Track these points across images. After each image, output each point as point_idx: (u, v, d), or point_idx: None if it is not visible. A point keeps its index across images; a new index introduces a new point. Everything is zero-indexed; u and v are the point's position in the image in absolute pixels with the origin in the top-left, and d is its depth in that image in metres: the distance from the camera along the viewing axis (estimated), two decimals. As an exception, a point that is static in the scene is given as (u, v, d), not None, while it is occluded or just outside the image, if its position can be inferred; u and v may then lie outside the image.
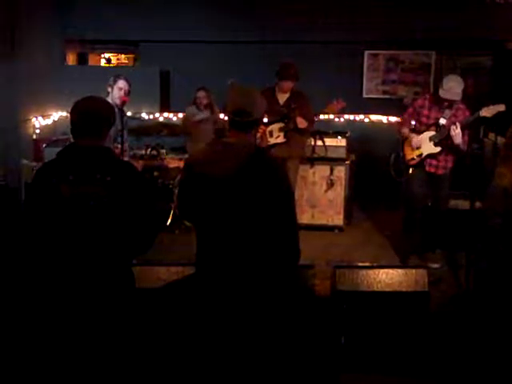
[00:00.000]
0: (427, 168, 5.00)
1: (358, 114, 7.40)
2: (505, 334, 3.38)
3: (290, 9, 7.38)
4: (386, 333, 3.43)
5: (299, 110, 5.36)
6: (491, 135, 6.11)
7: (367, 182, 7.04)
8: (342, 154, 6.16)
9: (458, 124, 4.71)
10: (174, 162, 5.64)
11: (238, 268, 2.66)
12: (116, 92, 4.81)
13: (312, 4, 7.33)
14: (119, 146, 4.71)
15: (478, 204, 4.76)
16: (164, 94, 7.83)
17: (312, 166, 6.11)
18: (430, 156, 4.96)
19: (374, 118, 7.49)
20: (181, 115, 7.22)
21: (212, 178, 2.63)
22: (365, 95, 7.73)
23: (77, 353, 2.64)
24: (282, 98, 5.49)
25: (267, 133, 5.46)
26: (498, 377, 3.21)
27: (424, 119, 4.98)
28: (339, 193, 6.11)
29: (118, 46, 8.78)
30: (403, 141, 5.11)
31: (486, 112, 4.64)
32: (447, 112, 4.86)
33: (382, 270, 3.55)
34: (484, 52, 7.56)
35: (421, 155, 4.98)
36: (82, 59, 8.79)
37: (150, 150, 5.67)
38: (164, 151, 6.01)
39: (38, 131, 6.88)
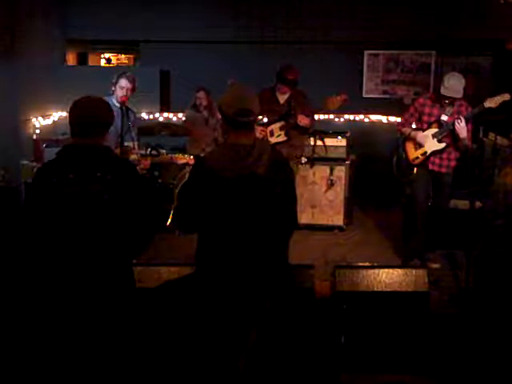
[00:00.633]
0: (430, 166, 4.95)
1: (358, 113, 7.40)
2: (505, 334, 3.38)
3: (290, 9, 7.38)
4: (386, 333, 3.43)
5: (299, 108, 5.37)
6: (491, 135, 6.11)
7: (367, 182, 7.04)
8: (342, 154, 6.16)
9: (462, 118, 4.70)
10: (182, 159, 5.62)
11: (239, 267, 2.66)
12: (118, 91, 4.77)
13: (312, 4, 7.33)
14: (126, 143, 4.67)
15: (478, 204, 4.77)
16: (164, 94, 7.83)
17: (312, 166, 6.11)
18: (435, 154, 4.92)
19: (374, 117, 7.48)
20: (181, 115, 7.23)
21: (230, 180, 2.64)
22: (365, 95, 7.72)
23: (77, 351, 2.64)
24: (282, 97, 5.49)
25: (268, 133, 5.47)
26: (498, 376, 3.21)
27: (425, 117, 4.95)
28: (339, 193, 6.11)
29: (118, 46, 8.79)
30: (404, 141, 5.09)
31: (491, 103, 4.60)
32: (449, 109, 4.84)
33: (381, 270, 3.55)
34: (484, 52, 7.56)
35: (425, 153, 4.92)
36: (82, 59, 8.79)
37: (150, 150, 5.65)
38: (164, 151, 6.01)
39: (37, 131, 6.87)
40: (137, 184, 2.71)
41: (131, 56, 9.27)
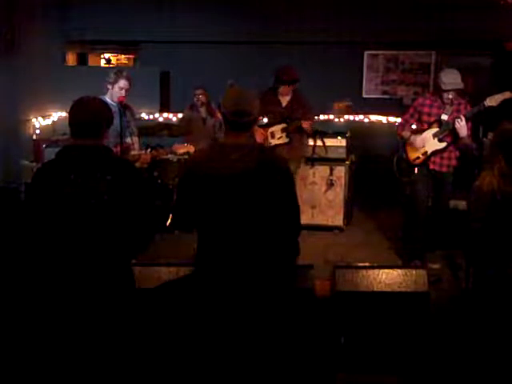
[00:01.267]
0: (431, 166, 4.93)
1: (358, 114, 7.40)
2: (505, 335, 3.38)
3: (290, 9, 7.38)
4: (386, 333, 3.42)
5: (301, 111, 5.38)
6: (491, 135, 6.10)
7: (367, 182, 7.04)
8: (342, 154, 6.16)
9: (462, 117, 4.68)
10: (182, 148, 5.61)
11: (238, 267, 2.66)
12: (117, 91, 4.76)
13: (312, 4, 7.33)
14: (126, 141, 4.68)
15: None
16: (164, 94, 7.83)
17: (312, 166, 6.11)
18: (435, 153, 4.91)
19: (374, 118, 7.48)
20: (180, 115, 7.23)
21: (218, 178, 2.64)
22: (365, 95, 7.73)
23: (76, 351, 2.64)
24: (284, 99, 5.51)
25: (268, 134, 5.47)
26: (498, 377, 3.21)
27: (425, 117, 4.94)
28: (339, 193, 6.11)
29: (118, 47, 8.79)
30: (404, 141, 5.08)
31: (491, 101, 4.57)
32: (448, 108, 4.83)
33: (381, 271, 3.54)
34: (484, 52, 7.56)
35: (426, 153, 4.91)
36: (82, 59, 8.79)
37: (149, 150, 5.66)
38: (170, 148, 6.01)
39: (38, 131, 6.88)
40: (137, 184, 2.71)
41: (131, 56, 9.27)
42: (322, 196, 6.13)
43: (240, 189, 2.65)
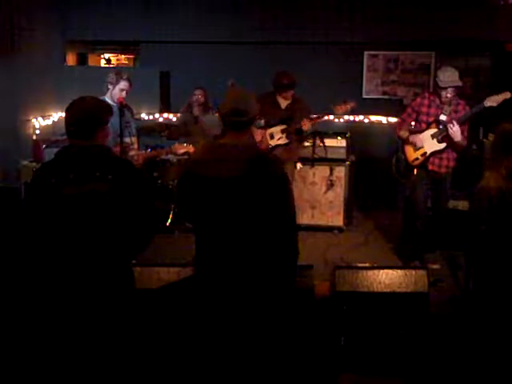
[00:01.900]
0: (430, 167, 4.92)
1: (358, 114, 7.40)
2: (505, 335, 3.38)
3: (290, 9, 7.38)
4: (386, 334, 3.43)
5: (301, 114, 5.39)
6: (491, 136, 6.11)
7: (367, 182, 7.05)
8: (342, 154, 6.16)
9: (454, 122, 4.64)
10: (182, 148, 5.62)
11: (237, 269, 2.66)
12: (117, 92, 4.76)
13: (312, 4, 7.33)
14: (125, 141, 4.68)
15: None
16: (164, 94, 7.83)
17: (312, 166, 6.11)
18: (434, 154, 4.89)
19: (374, 118, 7.49)
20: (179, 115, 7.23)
21: (214, 179, 2.63)
22: (364, 96, 7.72)
23: (76, 352, 2.64)
24: (284, 102, 5.53)
25: (267, 135, 5.47)
26: (498, 377, 3.21)
27: (424, 117, 4.93)
28: (339, 193, 6.11)
29: (118, 47, 8.79)
30: (403, 142, 5.08)
31: (491, 101, 4.54)
32: (447, 108, 4.82)
33: (381, 271, 3.55)
34: (483, 53, 7.56)
35: (425, 154, 4.89)
36: (82, 60, 8.79)
37: (149, 150, 5.65)
38: (170, 147, 6.01)
39: (37, 131, 6.87)
40: (138, 184, 2.71)
41: (131, 56, 9.27)
42: (322, 196, 6.13)
43: (239, 190, 2.64)
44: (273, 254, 2.72)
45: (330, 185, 6.10)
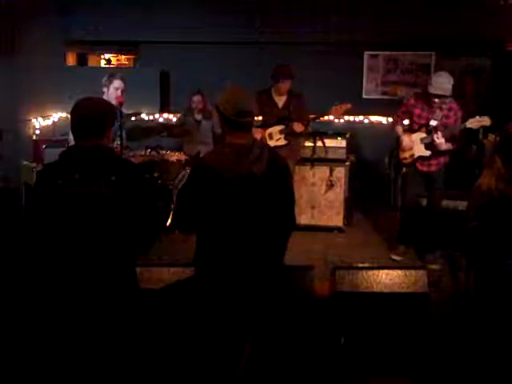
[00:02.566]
0: (420, 167, 5.02)
1: (358, 115, 7.41)
2: (505, 335, 3.38)
3: (290, 9, 7.39)
4: (386, 334, 3.42)
5: (297, 113, 5.37)
6: (491, 136, 6.12)
7: (367, 182, 7.04)
8: (342, 155, 6.16)
9: (440, 134, 4.73)
10: (174, 156, 5.62)
11: (239, 269, 2.66)
12: (112, 92, 4.75)
13: (312, 4, 7.33)
14: (118, 144, 4.69)
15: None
16: (164, 94, 7.83)
17: (312, 167, 6.11)
18: (422, 157, 4.99)
19: (374, 118, 7.49)
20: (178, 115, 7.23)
21: (235, 180, 2.64)
22: (364, 96, 7.73)
23: (80, 353, 2.64)
24: (280, 100, 5.48)
25: (266, 136, 5.46)
26: (499, 378, 3.21)
27: (416, 118, 5.00)
28: (339, 194, 6.11)
29: (118, 47, 8.78)
30: (398, 139, 5.15)
31: (471, 124, 4.67)
32: (438, 113, 4.85)
33: (381, 271, 3.55)
34: (483, 53, 7.56)
35: (413, 155, 5.02)
36: (82, 60, 8.79)
37: (149, 151, 5.65)
38: (164, 152, 6.02)
39: (37, 132, 6.88)
40: (140, 185, 2.71)
41: (131, 57, 9.27)
42: (322, 197, 6.13)
43: (249, 191, 2.66)
44: (273, 254, 2.72)
45: (330, 185, 6.10)
